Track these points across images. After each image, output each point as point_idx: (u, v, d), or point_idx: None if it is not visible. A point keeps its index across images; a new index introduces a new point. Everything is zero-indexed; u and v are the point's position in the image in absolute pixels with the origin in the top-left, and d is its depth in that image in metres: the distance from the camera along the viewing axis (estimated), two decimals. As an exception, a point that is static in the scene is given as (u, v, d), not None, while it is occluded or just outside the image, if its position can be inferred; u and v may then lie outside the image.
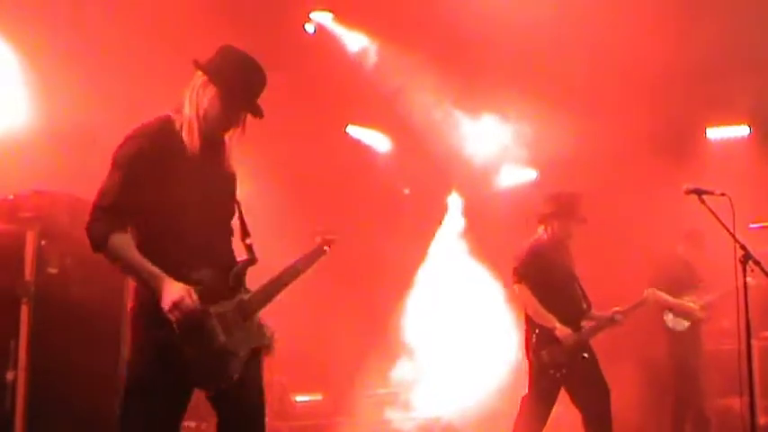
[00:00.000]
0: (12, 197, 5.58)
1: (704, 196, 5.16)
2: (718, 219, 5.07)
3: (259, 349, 3.66)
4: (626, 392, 7.71)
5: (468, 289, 10.64)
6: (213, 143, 3.64)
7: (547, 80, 9.02)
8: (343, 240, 4.27)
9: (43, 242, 5.43)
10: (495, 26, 8.13)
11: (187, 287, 3.37)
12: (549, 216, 6.46)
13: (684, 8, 8.19)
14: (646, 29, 8.02)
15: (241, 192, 3.82)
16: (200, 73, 3.66)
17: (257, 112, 3.71)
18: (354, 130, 10.73)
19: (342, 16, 9.29)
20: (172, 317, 3.31)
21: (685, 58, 8.60)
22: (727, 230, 5.05)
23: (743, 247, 5.15)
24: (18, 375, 5.19)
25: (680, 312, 7.82)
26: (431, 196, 11.36)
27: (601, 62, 8.56)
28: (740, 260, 5.08)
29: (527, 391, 6.38)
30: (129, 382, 3.52)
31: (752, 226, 7.37)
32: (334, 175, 9.98)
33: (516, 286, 6.40)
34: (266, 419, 3.66)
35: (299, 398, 8.78)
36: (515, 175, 11.66)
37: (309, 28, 9.15)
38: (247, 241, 3.76)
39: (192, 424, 6.91)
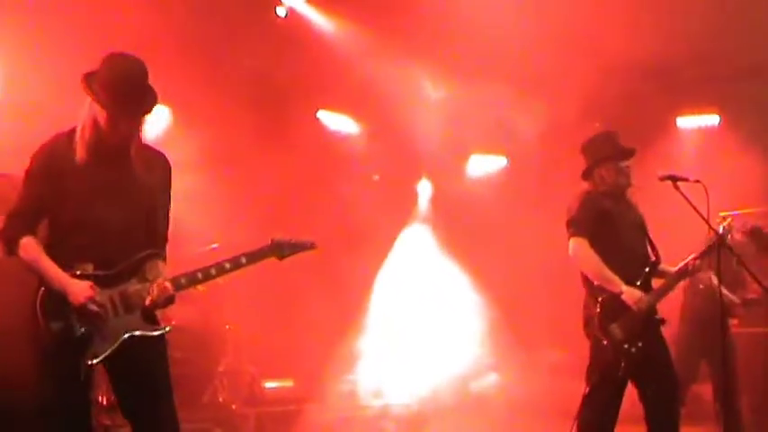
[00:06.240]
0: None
1: (678, 183, 5.18)
2: (692, 206, 5.09)
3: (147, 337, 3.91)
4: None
5: (437, 277, 10.65)
6: (109, 153, 3.88)
7: (517, 67, 9.01)
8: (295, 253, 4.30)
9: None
10: (469, 13, 8.10)
11: (89, 284, 3.78)
12: (592, 167, 5.43)
13: (655, -1, 8.22)
14: (617, 18, 8.02)
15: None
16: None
17: (139, 118, 3.91)
18: (325, 116, 10.64)
19: (314, -1, 9.20)
20: (83, 309, 3.74)
21: (655, 48, 8.63)
22: (702, 217, 5.08)
23: (717, 234, 5.19)
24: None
25: None
26: (400, 183, 11.32)
27: (571, 50, 8.56)
28: (714, 246, 5.13)
29: (587, 379, 5.23)
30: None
31: (722, 214, 7.39)
32: (303, 160, 9.88)
33: (572, 240, 5.25)
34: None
35: (269, 384, 8.70)
36: (485, 163, 11.71)
37: (281, 11, 9.03)
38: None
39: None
